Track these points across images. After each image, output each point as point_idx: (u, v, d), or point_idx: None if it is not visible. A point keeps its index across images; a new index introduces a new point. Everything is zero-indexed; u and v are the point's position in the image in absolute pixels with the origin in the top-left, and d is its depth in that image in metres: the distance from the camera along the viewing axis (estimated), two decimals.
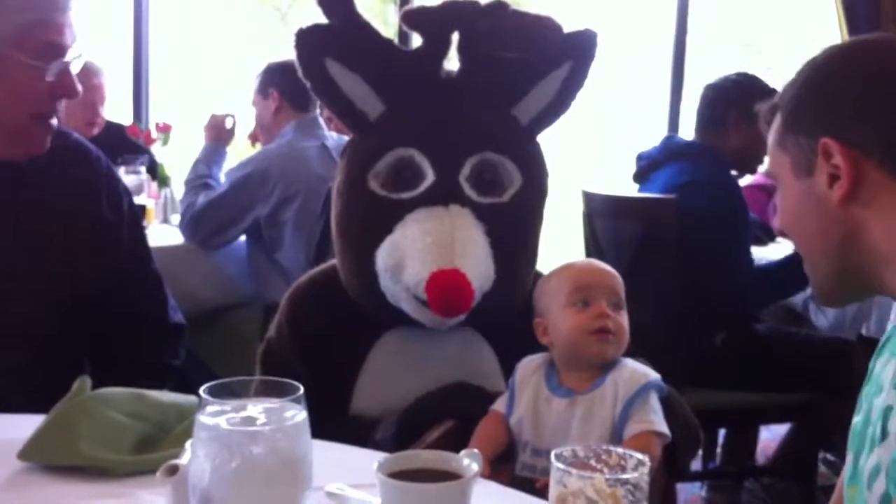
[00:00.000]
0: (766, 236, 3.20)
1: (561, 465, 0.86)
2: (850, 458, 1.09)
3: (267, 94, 3.15)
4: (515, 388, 1.53)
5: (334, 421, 1.52)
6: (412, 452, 1.00)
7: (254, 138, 3.49)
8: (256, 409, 0.90)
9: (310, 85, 1.61)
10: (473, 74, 1.62)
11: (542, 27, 1.64)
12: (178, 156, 3.74)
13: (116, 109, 3.99)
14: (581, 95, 1.68)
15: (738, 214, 2.65)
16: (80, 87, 1.55)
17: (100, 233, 1.66)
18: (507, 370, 1.61)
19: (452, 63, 1.63)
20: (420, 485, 0.91)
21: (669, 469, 1.54)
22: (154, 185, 3.54)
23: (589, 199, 2.90)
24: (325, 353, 1.66)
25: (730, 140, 2.73)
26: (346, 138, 1.72)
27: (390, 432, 1.56)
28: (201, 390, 0.89)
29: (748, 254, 2.65)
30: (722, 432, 3.22)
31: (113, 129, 3.75)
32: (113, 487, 1.15)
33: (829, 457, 3.09)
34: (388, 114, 1.62)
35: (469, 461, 0.96)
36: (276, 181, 2.94)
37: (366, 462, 0.98)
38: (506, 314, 1.62)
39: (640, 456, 0.88)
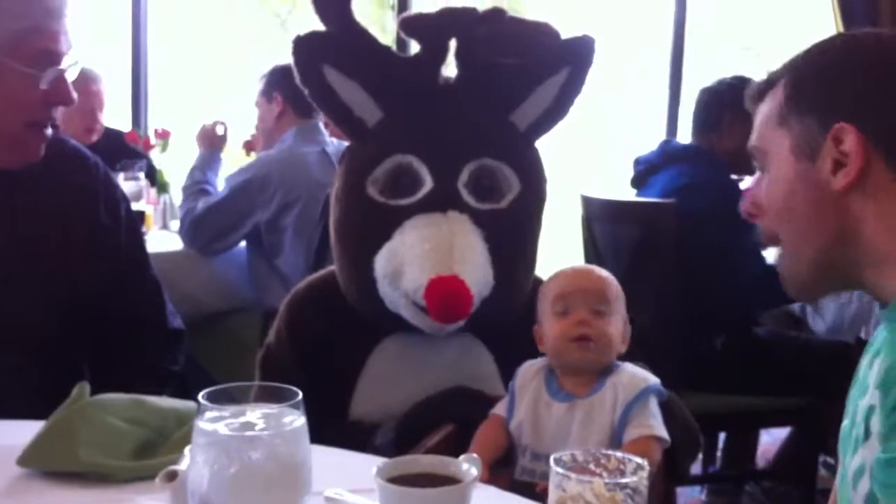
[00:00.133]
0: None
1: (560, 470, 0.86)
2: (841, 461, 1.10)
3: (271, 98, 3.14)
4: (516, 393, 1.53)
5: (333, 426, 1.51)
6: (411, 457, 1.01)
7: (248, 147, 3.50)
8: (255, 414, 0.90)
9: (308, 92, 1.61)
10: (471, 81, 1.62)
11: (540, 33, 1.65)
12: (177, 162, 3.74)
13: (115, 116, 3.99)
14: (579, 100, 1.68)
15: (738, 216, 2.64)
16: (75, 95, 1.54)
17: (97, 238, 1.66)
18: (506, 375, 1.61)
19: (450, 69, 1.63)
20: (419, 490, 0.91)
21: (669, 473, 1.54)
22: (153, 191, 3.54)
23: (587, 203, 2.90)
24: (324, 358, 1.66)
25: (725, 142, 2.74)
26: (346, 144, 1.72)
27: (389, 437, 1.56)
28: (200, 396, 0.89)
29: (752, 254, 2.64)
30: (722, 436, 3.22)
31: (112, 136, 3.75)
32: (112, 493, 1.15)
33: (829, 460, 3.09)
34: (386, 120, 1.62)
35: (468, 466, 0.96)
36: (277, 187, 2.94)
37: (365, 467, 0.98)
38: (505, 319, 1.62)
39: (639, 460, 0.88)
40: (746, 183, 3.27)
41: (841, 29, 3.86)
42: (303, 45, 1.58)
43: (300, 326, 1.71)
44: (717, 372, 2.61)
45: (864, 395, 1.02)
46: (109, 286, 1.67)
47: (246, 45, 6.61)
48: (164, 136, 3.73)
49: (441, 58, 1.61)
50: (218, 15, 6.60)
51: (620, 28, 5.96)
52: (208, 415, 0.89)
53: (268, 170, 2.98)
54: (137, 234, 1.82)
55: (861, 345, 2.84)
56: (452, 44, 1.60)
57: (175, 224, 3.39)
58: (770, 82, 1.12)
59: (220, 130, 3.30)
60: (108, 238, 1.69)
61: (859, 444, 1.01)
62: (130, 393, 1.32)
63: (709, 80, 2.90)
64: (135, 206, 2.19)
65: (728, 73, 2.91)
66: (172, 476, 0.98)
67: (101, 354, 1.70)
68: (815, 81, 1.08)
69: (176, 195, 3.50)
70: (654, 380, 1.49)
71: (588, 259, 2.86)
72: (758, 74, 1.18)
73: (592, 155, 6.64)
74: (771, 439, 3.46)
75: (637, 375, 1.48)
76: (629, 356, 1.53)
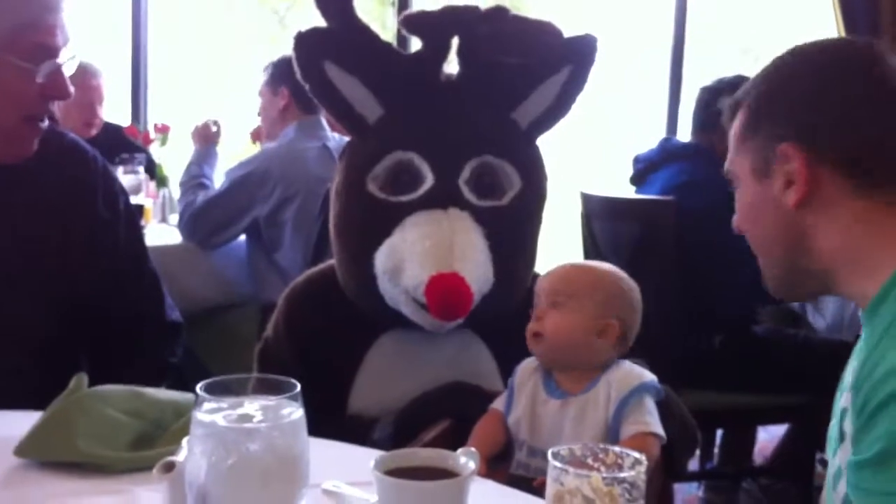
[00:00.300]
0: None
1: (558, 464, 0.86)
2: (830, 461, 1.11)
3: (277, 91, 3.13)
4: (515, 389, 1.53)
5: (331, 421, 1.52)
6: (409, 450, 1.00)
7: (255, 136, 3.49)
8: (253, 406, 0.90)
9: (308, 88, 1.60)
10: (473, 78, 1.62)
11: (543, 32, 1.65)
12: (176, 156, 3.74)
13: (115, 110, 3.99)
14: (580, 98, 1.69)
15: None
16: (72, 89, 1.54)
17: (96, 232, 1.66)
18: (505, 372, 1.61)
19: (452, 67, 1.63)
20: (417, 482, 0.91)
21: (667, 469, 1.54)
22: (152, 184, 3.54)
23: (587, 200, 2.90)
24: (322, 353, 1.66)
25: (724, 141, 2.73)
26: (347, 139, 1.72)
27: (387, 432, 1.56)
28: (198, 387, 0.89)
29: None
30: (719, 433, 3.23)
31: (111, 130, 3.76)
32: (110, 484, 1.15)
33: (826, 458, 3.09)
34: (387, 117, 1.62)
35: (466, 459, 0.96)
36: (277, 182, 2.94)
37: (363, 460, 0.98)
38: (504, 316, 1.62)
39: (636, 455, 0.88)
40: None
41: (842, 30, 3.85)
42: (304, 41, 1.58)
43: (298, 321, 1.71)
44: (715, 369, 2.61)
45: (842, 397, 1.04)
46: (108, 281, 1.67)
47: (245, 41, 6.61)
48: (163, 130, 3.74)
49: (443, 55, 1.61)
50: (217, 11, 6.59)
51: (621, 27, 5.96)
52: (206, 406, 0.89)
53: (268, 164, 2.98)
54: (136, 228, 1.82)
55: None
56: (454, 41, 1.60)
57: (174, 218, 3.39)
58: (737, 104, 1.18)
59: (213, 128, 3.30)
60: (107, 232, 1.68)
61: (837, 445, 1.03)
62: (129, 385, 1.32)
63: (708, 81, 2.90)
64: (134, 200, 2.19)
65: (727, 73, 2.91)
66: (170, 467, 0.98)
67: (100, 348, 1.70)
68: (765, 103, 1.13)
69: (175, 189, 3.51)
70: (649, 377, 1.48)
71: (587, 256, 2.86)
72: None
73: (593, 153, 6.64)
74: (768, 436, 3.47)
75: (632, 373, 1.48)
76: (629, 352, 1.54)
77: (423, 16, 1.62)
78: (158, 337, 1.76)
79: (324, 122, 3.13)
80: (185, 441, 0.94)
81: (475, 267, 1.52)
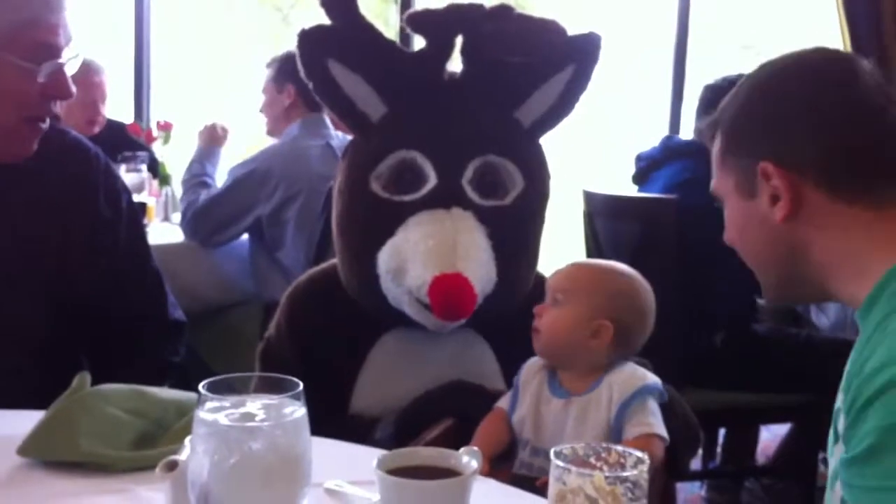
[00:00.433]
0: None
1: (560, 463, 0.85)
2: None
3: (282, 88, 3.12)
4: (520, 387, 1.53)
5: (333, 420, 1.52)
6: (411, 449, 1.00)
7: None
8: (255, 405, 0.90)
9: (312, 86, 1.60)
10: (476, 77, 1.62)
11: (547, 30, 1.65)
12: (179, 154, 3.74)
13: (118, 108, 3.99)
14: (583, 96, 1.68)
15: None
16: (73, 89, 1.52)
17: (97, 231, 1.66)
18: (507, 371, 1.61)
19: (455, 65, 1.63)
20: (419, 481, 0.91)
21: (669, 468, 1.54)
22: (155, 183, 3.54)
23: (589, 198, 2.90)
24: (325, 352, 1.66)
25: None
26: (350, 138, 1.72)
27: (389, 431, 1.56)
28: (200, 386, 0.89)
29: None
30: (722, 432, 3.22)
31: (114, 128, 3.76)
32: (112, 483, 1.15)
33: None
34: (390, 115, 1.61)
35: (468, 458, 0.96)
36: (279, 180, 2.93)
37: (365, 459, 0.99)
38: (506, 315, 1.62)
39: (639, 454, 0.88)
40: None
41: (844, 28, 3.84)
42: (308, 39, 1.58)
43: (300, 320, 1.71)
44: (717, 368, 2.61)
45: (839, 397, 1.05)
46: (109, 279, 1.67)
47: (248, 39, 6.61)
48: (166, 128, 3.73)
49: (447, 54, 1.61)
50: (220, 8, 6.59)
51: (624, 25, 5.95)
52: (209, 405, 0.89)
53: (271, 163, 2.97)
54: (138, 226, 1.81)
55: None
56: (458, 40, 1.60)
57: (177, 216, 3.39)
58: (715, 124, 1.19)
59: (220, 131, 3.30)
60: (109, 231, 1.68)
61: (834, 445, 1.04)
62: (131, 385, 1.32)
63: (709, 78, 2.90)
64: (136, 198, 2.19)
65: (728, 71, 2.91)
66: (172, 466, 0.98)
67: (102, 347, 1.70)
68: (740, 122, 1.14)
69: (178, 187, 3.50)
70: (652, 379, 1.47)
71: (590, 254, 2.86)
72: None
73: (596, 151, 6.64)
74: (771, 436, 3.46)
75: (635, 374, 1.48)
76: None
77: (428, 14, 1.62)
78: (160, 336, 1.76)
79: (327, 120, 3.12)
80: (187, 440, 0.94)
81: (478, 267, 1.52)
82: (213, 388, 0.89)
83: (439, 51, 1.60)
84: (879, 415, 0.93)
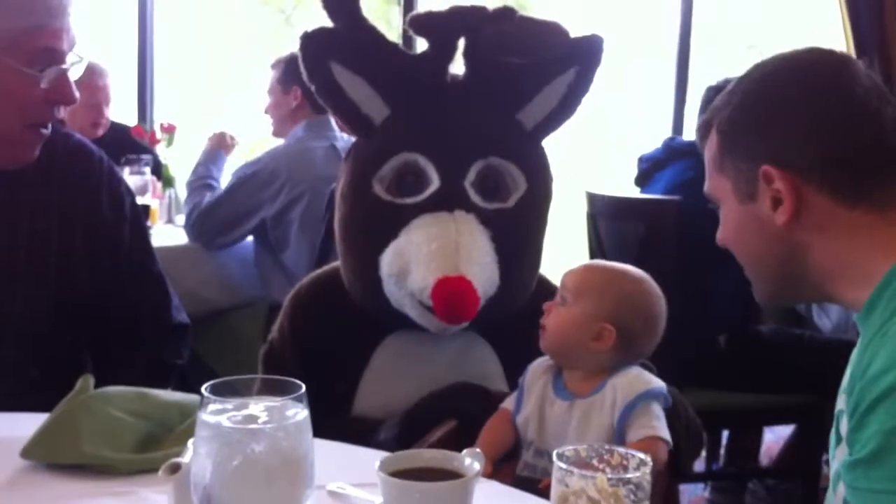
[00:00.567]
0: None
1: (563, 465, 0.86)
2: None
3: (289, 89, 3.11)
4: (525, 388, 1.52)
5: (336, 422, 1.52)
6: (414, 451, 1.00)
7: None
8: (258, 407, 0.90)
9: (314, 88, 1.60)
10: (479, 79, 1.62)
11: (549, 33, 1.65)
12: (183, 156, 3.74)
13: (121, 110, 4.00)
14: (586, 98, 1.68)
15: None
16: (77, 94, 1.52)
17: (100, 233, 1.66)
18: (510, 373, 1.61)
19: (458, 68, 1.63)
20: (421, 483, 0.91)
21: (672, 470, 1.54)
22: (158, 185, 3.54)
23: (592, 200, 2.90)
24: (327, 355, 1.66)
25: None
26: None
27: (393, 433, 1.56)
28: (203, 388, 0.89)
29: None
30: (725, 433, 3.22)
31: (118, 130, 3.76)
32: (115, 485, 1.15)
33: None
34: (392, 118, 1.61)
35: (471, 460, 0.96)
36: (284, 181, 2.93)
37: (367, 461, 0.99)
38: (509, 318, 1.62)
39: (642, 456, 0.88)
40: None
41: (847, 24, 3.83)
42: (310, 42, 1.58)
43: (303, 323, 1.70)
44: (720, 369, 2.61)
45: (840, 400, 1.05)
46: (113, 282, 1.67)
47: (250, 40, 6.62)
48: (169, 130, 3.74)
49: (449, 56, 1.61)
50: (223, 10, 6.60)
51: (627, 27, 5.95)
52: (211, 407, 0.89)
53: (275, 164, 2.97)
54: (142, 230, 1.81)
55: None
56: (461, 42, 1.60)
57: (180, 219, 3.39)
58: (707, 124, 1.18)
59: (229, 140, 3.32)
60: (112, 234, 1.68)
61: (836, 448, 1.04)
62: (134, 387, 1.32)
63: (712, 79, 2.90)
64: (140, 201, 2.19)
65: (731, 71, 2.91)
66: (175, 468, 0.98)
67: (105, 349, 1.70)
68: (738, 125, 1.13)
69: (181, 190, 3.51)
70: (657, 384, 1.46)
71: (593, 256, 2.86)
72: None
73: (599, 153, 6.64)
74: (774, 437, 3.46)
75: (639, 379, 1.47)
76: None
77: (430, 16, 1.61)
78: (163, 338, 1.76)
79: (333, 122, 3.12)
80: (190, 442, 0.95)
81: (481, 270, 1.52)
82: (215, 391, 0.90)
83: (442, 53, 1.60)
84: (883, 418, 0.93)
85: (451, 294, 1.48)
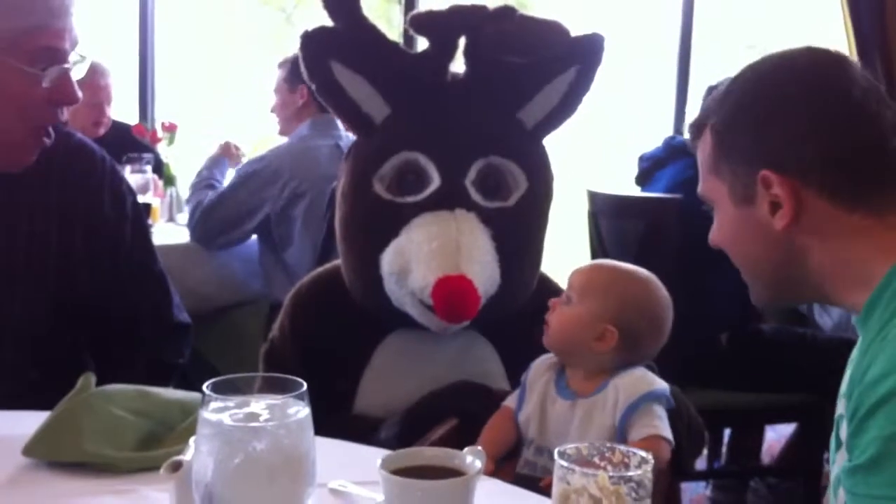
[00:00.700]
0: None
1: (564, 463, 0.86)
2: None
3: (295, 88, 3.11)
4: (527, 386, 1.52)
5: (337, 421, 1.52)
6: (415, 449, 1.00)
7: None
8: (259, 405, 0.90)
9: (315, 87, 1.60)
10: (480, 78, 1.62)
11: (550, 31, 1.65)
12: (184, 155, 3.75)
13: (122, 109, 4.00)
14: (587, 97, 1.68)
15: None
16: (79, 94, 1.51)
17: (102, 233, 1.66)
18: (511, 372, 1.61)
19: (458, 66, 1.63)
20: (423, 481, 0.92)
21: (674, 468, 1.54)
22: (160, 183, 3.54)
23: (593, 198, 2.90)
24: (328, 354, 1.66)
25: None
26: None
27: (394, 431, 1.56)
28: (205, 386, 0.89)
29: None
30: (727, 432, 3.22)
31: (119, 129, 3.76)
32: (116, 483, 1.15)
33: None
34: (393, 117, 1.61)
35: (472, 458, 0.96)
36: (288, 179, 2.92)
37: (369, 459, 0.99)
38: (509, 316, 1.62)
39: (643, 454, 0.88)
40: None
41: (848, 23, 3.83)
42: (310, 41, 1.58)
43: (304, 321, 1.70)
44: (722, 368, 2.61)
45: (839, 404, 1.04)
46: (114, 281, 1.67)
47: (251, 39, 6.62)
48: (171, 129, 3.74)
49: (450, 55, 1.61)
50: (224, 9, 6.60)
51: (628, 26, 5.96)
52: (213, 405, 0.89)
53: (279, 162, 2.96)
54: (144, 229, 1.81)
55: None
56: (461, 41, 1.60)
57: (182, 217, 3.40)
58: (700, 125, 1.16)
59: (234, 150, 3.34)
60: (113, 233, 1.68)
61: (836, 452, 1.04)
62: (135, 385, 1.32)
63: (713, 78, 2.89)
64: (141, 199, 2.19)
65: (731, 71, 2.90)
66: (177, 466, 0.98)
67: (106, 348, 1.70)
68: (734, 128, 1.12)
69: (182, 188, 3.51)
70: (660, 385, 1.45)
71: (594, 254, 2.86)
72: None
73: (600, 152, 6.64)
74: (776, 436, 3.46)
75: (642, 379, 1.46)
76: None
77: (431, 15, 1.61)
78: (163, 338, 1.76)
79: (337, 120, 3.11)
80: (191, 440, 0.95)
81: (482, 269, 1.52)
82: (217, 389, 0.90)
83: (442, 52, 1.60)
84: (882, 424, 0.93)
85: (451, 293, 1.48)
